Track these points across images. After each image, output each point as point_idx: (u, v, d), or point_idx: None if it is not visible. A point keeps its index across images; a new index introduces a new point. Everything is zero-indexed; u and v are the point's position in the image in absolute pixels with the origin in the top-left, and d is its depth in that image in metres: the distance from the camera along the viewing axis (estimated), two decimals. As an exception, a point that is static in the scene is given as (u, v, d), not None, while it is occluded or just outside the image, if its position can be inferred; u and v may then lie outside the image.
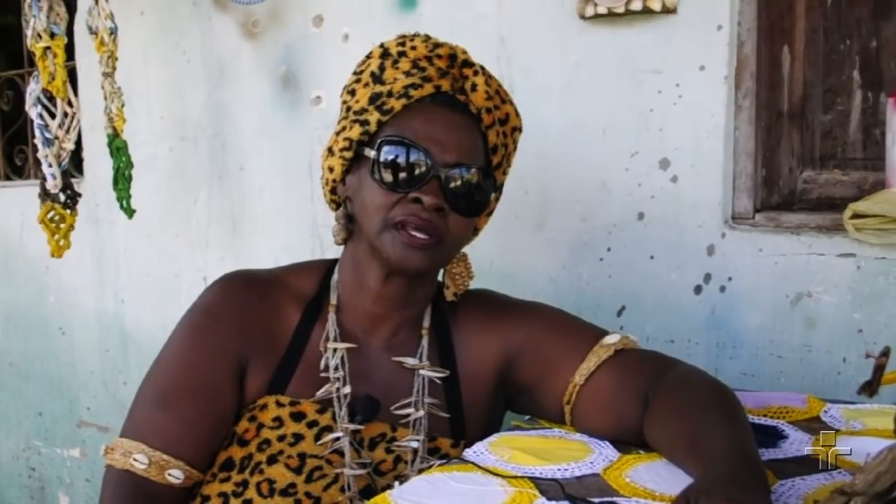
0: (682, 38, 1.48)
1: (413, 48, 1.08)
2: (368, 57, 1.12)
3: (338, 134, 1.10)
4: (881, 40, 1.41)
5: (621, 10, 1.50)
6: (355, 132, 1.07)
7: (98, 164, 2.34)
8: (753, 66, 1.47)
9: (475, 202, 1.07)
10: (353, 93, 1.10)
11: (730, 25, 1.45)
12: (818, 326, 1.41)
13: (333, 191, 1.13)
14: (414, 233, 1.02)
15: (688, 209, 1.51)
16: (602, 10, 1.52)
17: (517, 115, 1.14)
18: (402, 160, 1.03)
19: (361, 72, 1.10)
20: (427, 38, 1.11)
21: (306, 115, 1.96)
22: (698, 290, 1.51)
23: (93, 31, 1.84)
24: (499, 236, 1.69)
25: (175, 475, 1.04)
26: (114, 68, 1.84)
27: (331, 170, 1.11)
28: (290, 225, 2.02)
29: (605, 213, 1.59)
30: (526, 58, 1.65)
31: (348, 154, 1.08)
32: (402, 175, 1.03)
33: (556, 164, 1.63)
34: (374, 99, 1.06)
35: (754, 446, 0.83)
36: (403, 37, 1.11)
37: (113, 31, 1.82)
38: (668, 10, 1.47)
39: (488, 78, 1.10)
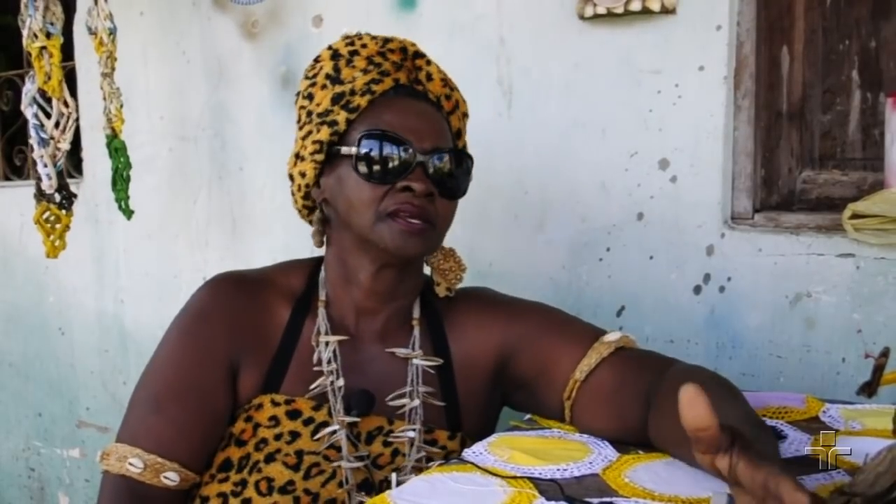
0: (681, 38, 1.48)
1: (364, 46, 1.11)
2: (317, 61, 1.13)
3: (304, 139, 1.11)
4: (880, 40, 1.41)
5: (620, 10, 1.50)
6: (324, 134, 1.08)
7: (98, 164, 2.34)
8: (753, 67, 1.47)
9: (458, 183, 1.10)
10: (310, 97, 1.11)
11: (729, 26, 1.45)
12: (817, 327, 1.41)
13: (306, 196, 1.14)
14: (410, 220, 1.04)
15: (687, 209, 1.51)
16: (601, 10, 1.52)
17: (464, 101, 1.17)
18: (385, 152, 1.04)
19: (315, 75, 1.11)
20: (374, 35, 1.13)
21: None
22: (698, 290, 1.51)
23: (92, 32, 1.84)
24: (498, 237, 1.69)
25: (170, 477, 1.04)
26: (113, 69, 1.84)
27: (302, 175, 1.11)
28: (290, 225, 2.02)
29: (605, 214, 1.59)
30: (526, 58, 1.65)
31: (319, 157, 1.09)
32: (388, 166, 1.04)
33: (555, 165, 1.63)
34: (337, 99, 1.08)
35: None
36: (349, 37, 1.13)
37: (112, 32, 1.82)
38: (667, 11, 1.47)
39: (438, 67, 1.14)
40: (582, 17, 1.56)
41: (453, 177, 1.08)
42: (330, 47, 1.12)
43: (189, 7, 2.14)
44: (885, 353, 0.86)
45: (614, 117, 1.56)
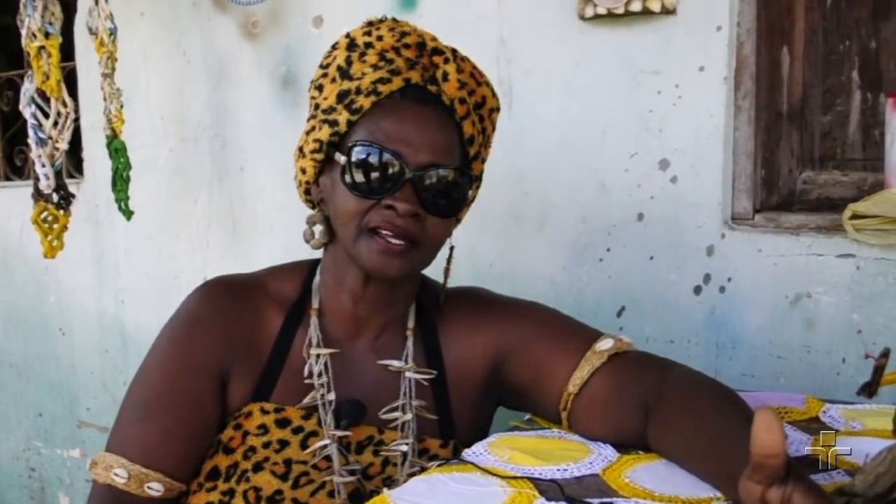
0: (681, 38, 1.48)
1: (380, 38, 1.04)
2: (334, 48, 1.07)
3: (307, 134, 1.07)
4: (880, 41, 1.41)
5: (621, 10, 1.50)
6: (325, 133, 1.03)
7: (98, 164, 2.34)
8: (753, 67, 1.47)
9: (452, 202, 1.03)
10: (320, 88, 1.06)
11: (729, 26, 1.45)
12: (817, 327, 1.41)
13: (307, 191, 1.10)
14: (390, 239, 0.99)
15: (687, 210, 1.51)
16: (602, 10, 1.52)
17: (494, 95, 1.10)
18: (372, 165, 0.99)
19: (328, 65, 1.06)
20: (394, 25, 1.07)
21: (306, 115, 1.96)
22: (698, 290, 1.51)
23: (93, 32, 1.84)
24: (499, 237, 1.69)
25: (154, 488, 1.03)
26: (113, 69, 1.84)
27: (303, 171, 1.08)
28: (291, 225, 2.02)
29: (605, 214, 1.59)
30: (526, 58, 1.65)
31: (319, 156, 1.05)
32: (374, 181, 0.99)
33: (555, 165, 1.63)
34: (342, 97, 1.02)
35: None
36: (370, 24, 1.06)
37: (112, 32, 1.82)
38: (667, 11, 1.47)
39: (460, 62, 1.06)
40: (582, 18, 1.56)
41: (448, 195, 1.02)
42: (348, 34, 1.06)
43: (189, 7, 2.14)
44: (886, 354, 0.86)
45: (614, 118, 1.56)
